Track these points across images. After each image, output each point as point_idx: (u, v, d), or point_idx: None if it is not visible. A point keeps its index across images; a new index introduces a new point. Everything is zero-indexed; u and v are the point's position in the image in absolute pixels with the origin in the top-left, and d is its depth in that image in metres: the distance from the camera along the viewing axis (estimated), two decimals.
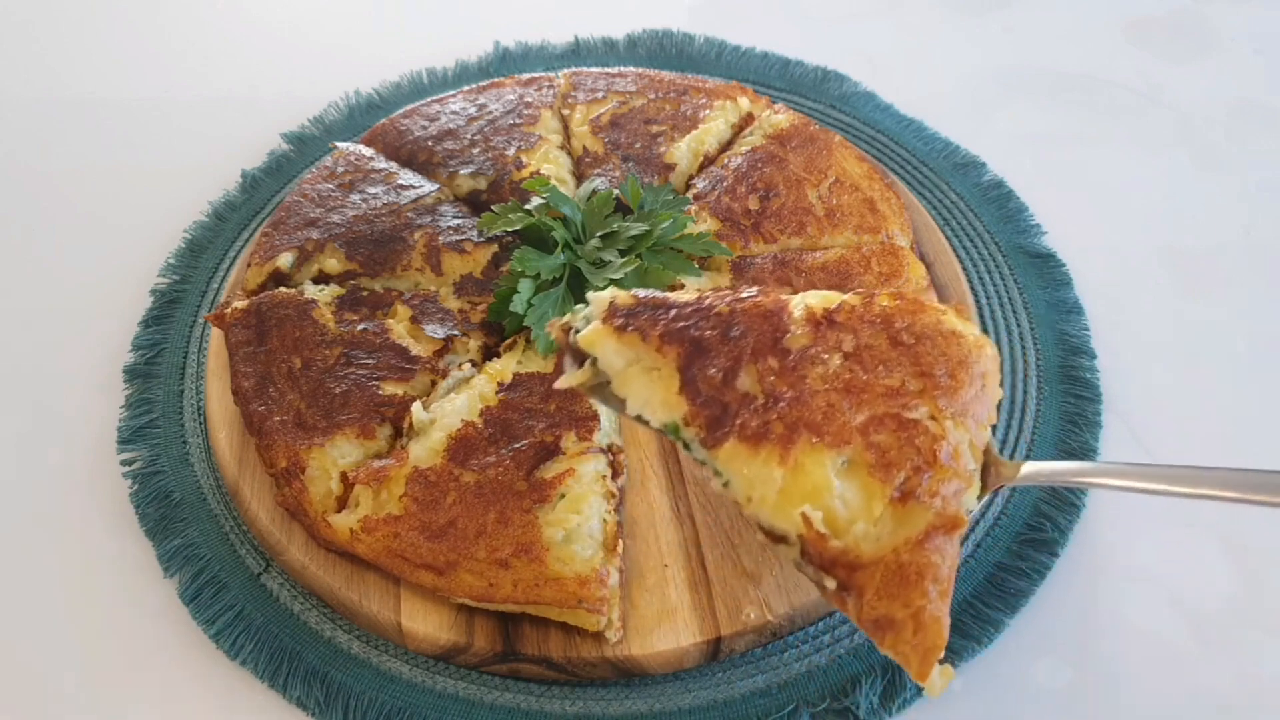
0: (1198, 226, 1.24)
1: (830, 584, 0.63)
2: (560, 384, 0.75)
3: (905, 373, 0.68)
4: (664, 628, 0.84)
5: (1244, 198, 1.27)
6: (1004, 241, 1.20)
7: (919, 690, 0.84)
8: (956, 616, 0.88)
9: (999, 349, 1.08)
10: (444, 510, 0.87)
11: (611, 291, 0.75)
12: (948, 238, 1.18)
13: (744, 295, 0.74)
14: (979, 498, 0.68)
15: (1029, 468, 0.70)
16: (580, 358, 0.74)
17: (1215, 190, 1.29)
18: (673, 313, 0.72)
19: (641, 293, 0.74)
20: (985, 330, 1.10)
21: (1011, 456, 0.99)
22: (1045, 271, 1.16)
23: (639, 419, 0.71)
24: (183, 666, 0.87)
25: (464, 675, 0.85)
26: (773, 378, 0.68)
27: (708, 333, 0.70)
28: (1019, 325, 1.11)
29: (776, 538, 0.66)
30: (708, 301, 0.73)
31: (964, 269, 1.15)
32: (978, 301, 1.12)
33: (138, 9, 1.61)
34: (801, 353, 0.69)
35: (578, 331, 0.74)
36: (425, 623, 0.85)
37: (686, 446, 0.69)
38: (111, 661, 0.87)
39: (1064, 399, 1.04)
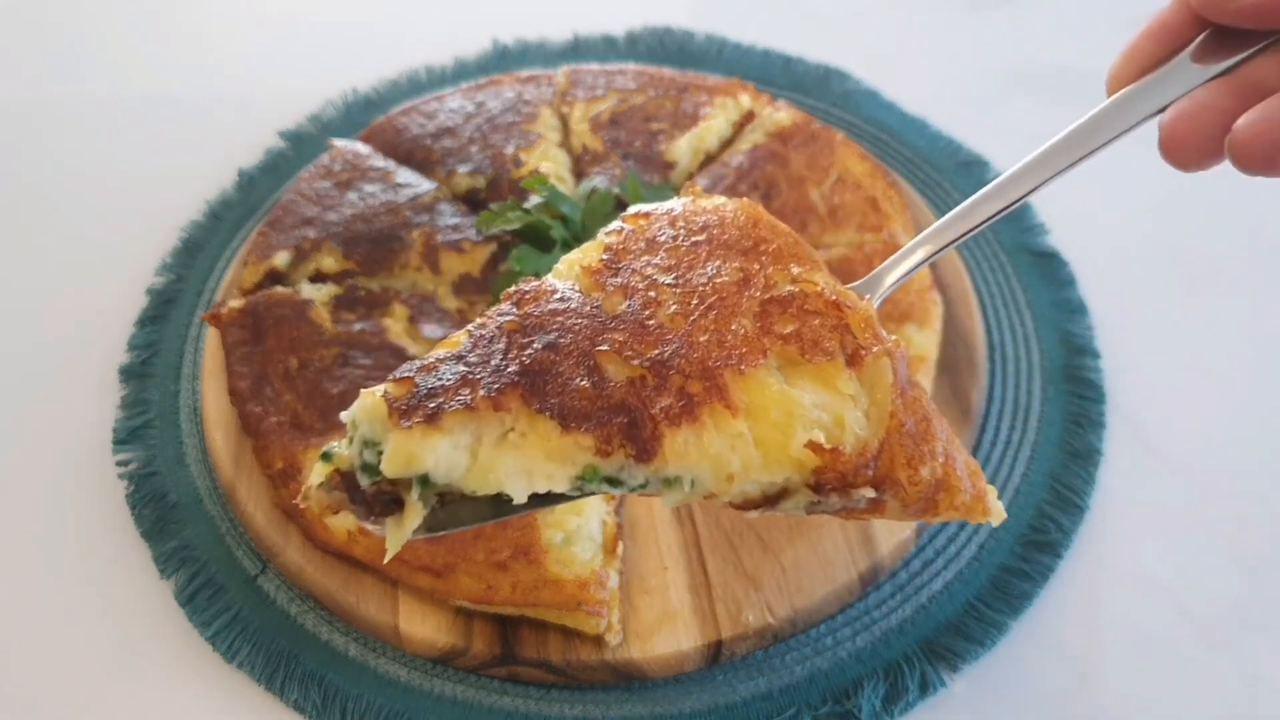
0: (1203, 226, 1.23)
1: (869, 493, 0.56)
2: (392, 553, 0.56)
3: (732, 263, 0.62)
4: (664, 631, 0.84)
5: (1249, 197, 1.26)
6: (1007, 240, 1.19)
7: (921, 693, 0.83)
8: (960, 619, 0.87)
9: (1002, 348, 1.08)
10: None
11: (374, 393, 0.56)
12: None
13: (513, 298, 0.61)
14: None
15: (875, 275, 0.68)
16: (385, 501, 0.56)
17: (1220, 189, 1.27)
18: (471, 358, 0.57)
19: (406, 368, 0.57)
20: (989, 329, 1.09)
21: (1015, 457, 0.99)
22: (1049, 271, 1.15)
23: (534, 500, 0.56)
24: (179, 669, 0.86)
25: (462, 678, 0.84)
26: (634, 348, 0.57)
27: (528, 353, 0.57)
28: (1023, 325, 1.10)
29: (773, 498, 0.57)
30: (486, 330, 0.59)
31: (967, 268, 1.14)
32: (981, 300, 1.11)
33: (133, 6, 1.60)
34: (631, 309, 0.60)
35: (368, 467, 0.55)
36: (423, 625, 0.84)
37: (618, 484, 0.56)
38: (107, 663, 0.87)
39: (1068, 399, 1.03)
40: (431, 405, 0.55)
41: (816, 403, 0.57)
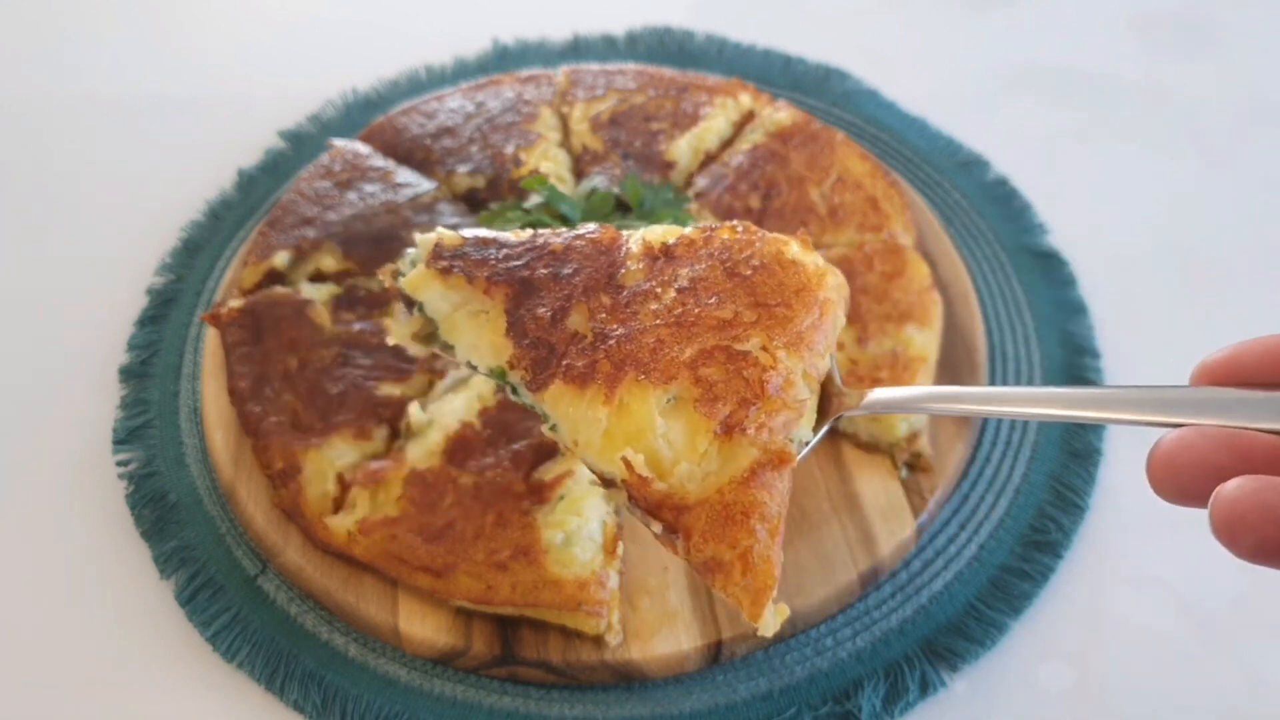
0: (1204, 225, 1.23)
1: (656, 528, 0.61)
2: (392, 338, 0.72)
3: (739, 304, 0.65)
4: (664, 631, 0.83)
5: (1251, 196, 1.26)
6: (1008, 240, 1.19)
7: (922, 693, 0.83)
8: (960, 619, 0.87)
9: (1003, 348, 1.08)
10: (441, 512, 0.86)
11: (438, 232, 0.72)
12: (951, 236, 1.17)
13: (581, 231, 0.71)
14: (816, 429, 0.64)
15: (873, 395, 0.66)
16: (411, 304, 0.71)
17: (1222, 188, 1.27)
18: (503, 252, 0.70)
19: (470, 233, 0.72)
20: (989, 330, 1.09)
21: (1015, 458, 0.99)
22: (1049, 271, 1.15)
23: (470, 366, 0.69)
24: (179, 669, 0.86)
25: (462, 678, 0.84)
26: (604, 315, 0.66)
27: (539, 271, 0.68)
28: (1023, 325, 1.10)
29: (607, 482, 0.64)
30: (541, 239, 0.70)
31: (968, 268, 1.14)
32: (981, 300, 1.11)
33: (134, 6, 1.60)
34: (635, 288, 0.67)
35: (404, 276, 0.71)
36: (423, 626, 0.84)
37: (514, 391, 0.67)
38: (107, 663, 0.87)
39: None
40: (454, 264, 0.69)
41: (670, 438, 0.62)
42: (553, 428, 0.65)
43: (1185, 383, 0.58)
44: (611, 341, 0.64)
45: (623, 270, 0.68)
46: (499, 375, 0.67)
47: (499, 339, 0.67)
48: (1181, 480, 0.51)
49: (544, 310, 0.66)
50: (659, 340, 0.64)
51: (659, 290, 0.66)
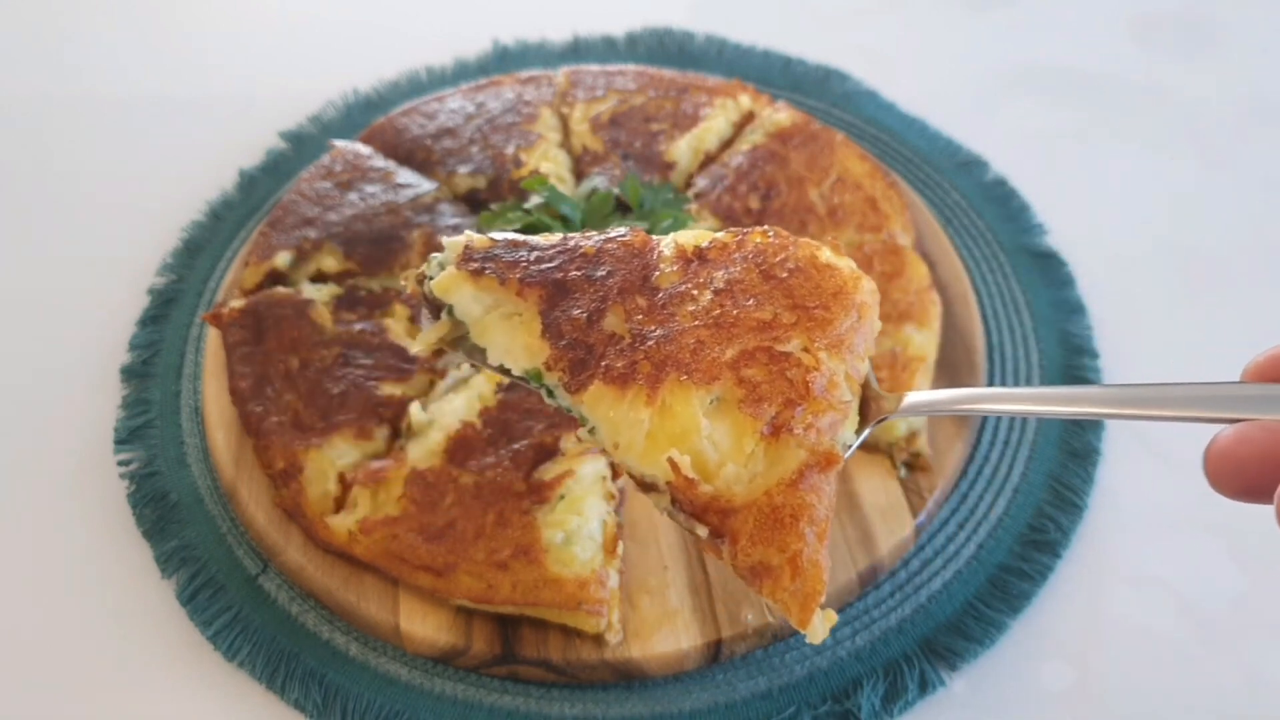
0: (1203, 225, 1.23)
1: (702, 531, 0.60)
2: (417, 346, 0.70)
3: (778, 306, 0.65)
4: (664, 630, 0.84)
5: (1250, 197, 1.26)
6: (1007, 241, 1.19)
7: (921, 692, 0.83)
8: (959, 618, 0.87)
9: (1001, 348, 1.08)
10: (442, 512, 0.86)
11: (466, 235, 0.70)
12: (950, 237, 1.17)
13: (612, 234, 0.70)
14: (857, 432, 0.64)
15: (911, 398, 0.65)
16: (438, 309, 0.70)
17: (1221, 189, 1.28)
18: (534, 254, 0.69)
19: (500, 235, 0.71)
20: (988, 330, 1.09)
21: (1014, 457, 0.99)
22: (1048, 271, 1.15)
23: (501, 369, 0.68)
24: (180, 668, 0.86)
25: (463, 677, 0.85)
26: (641, 317, 0.65)
27: (572, 274, 0.68)
28: (1022, 325, 1.10)
29: (647, 486, 0.62)
30: (573, 242, 0.70)
31: (966, 268, 1.14)
32: (980, 300, 1.12)
33: (134, 6, 1.60)
34: (671, 290, 0.66)
35: (432, 279, 0.70)
36: (424, 625, 0.84)
37: (550, 394, 0.66)
38: (108, 663, 0.87)
39: None
40: (484, 266, 0.68)
41: (715, 439, 0.61)
42: (590, 431, 0.64)
43: (1198, 380, 0.58)
44: (651, 342, 0.64)
45: (656, 273, 0.67)
46: (535, 378, 0.66)
47: (534, 341, 0.66)
48: (1243, 475, 0.50)
49: (579, 312, 0.66)
50: (699, 341, 0.63)
51: (695, 292, 0.66)
